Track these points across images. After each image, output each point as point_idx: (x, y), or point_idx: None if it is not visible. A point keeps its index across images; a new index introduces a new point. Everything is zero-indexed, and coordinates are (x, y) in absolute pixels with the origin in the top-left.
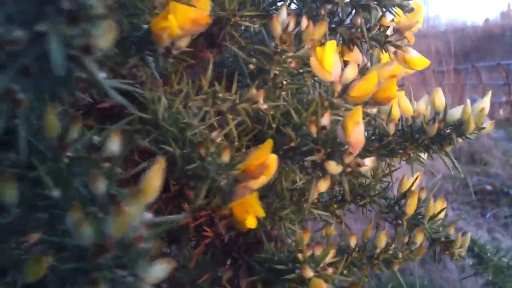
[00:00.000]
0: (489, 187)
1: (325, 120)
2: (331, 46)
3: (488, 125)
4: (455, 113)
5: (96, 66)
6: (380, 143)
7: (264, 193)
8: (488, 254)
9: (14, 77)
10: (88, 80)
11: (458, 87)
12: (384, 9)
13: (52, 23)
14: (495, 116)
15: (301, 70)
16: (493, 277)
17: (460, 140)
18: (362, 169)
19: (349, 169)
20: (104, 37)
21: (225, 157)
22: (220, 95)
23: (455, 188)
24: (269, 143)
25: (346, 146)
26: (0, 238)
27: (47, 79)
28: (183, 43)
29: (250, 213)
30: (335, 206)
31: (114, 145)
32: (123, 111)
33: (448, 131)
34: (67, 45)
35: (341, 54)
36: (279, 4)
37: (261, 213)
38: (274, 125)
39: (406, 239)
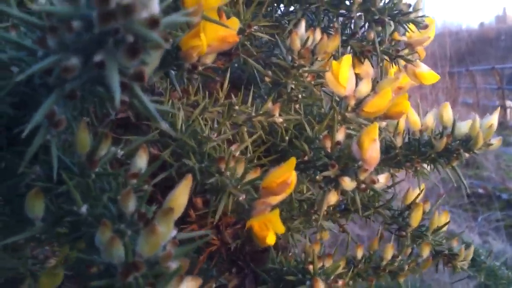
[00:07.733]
0: (481, 191)
1: (340, 135)
2: (347, 61)
3: (495, 141)
4: (463, 127)
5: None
6: (387, 155)
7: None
8: (481, 257)
9: (57, 99)
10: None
11: (452, 90)
12: (397, 24)
13: (109, 53)
14: None
15: (312, 82)
16: (486, 280)
17: (467, 155)
18: (376, 186)
19: (363, 186)
20: (152, 63)
21: (240, 169)
22: (236, 107)
23: (447, 190)
24: (292, 161)
25: (360, 162)
26: (18, 248)
27: (90, 102)
28: (209, 60)
29: (270, 229)
30: (338, 215)
31: (142, 161)
32: (140, 121)
33: (456, 145)
34: (121, 74)
35: (352, 66)
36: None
37: (282, 230)
38: (286, 138)
39: (409, 251)
